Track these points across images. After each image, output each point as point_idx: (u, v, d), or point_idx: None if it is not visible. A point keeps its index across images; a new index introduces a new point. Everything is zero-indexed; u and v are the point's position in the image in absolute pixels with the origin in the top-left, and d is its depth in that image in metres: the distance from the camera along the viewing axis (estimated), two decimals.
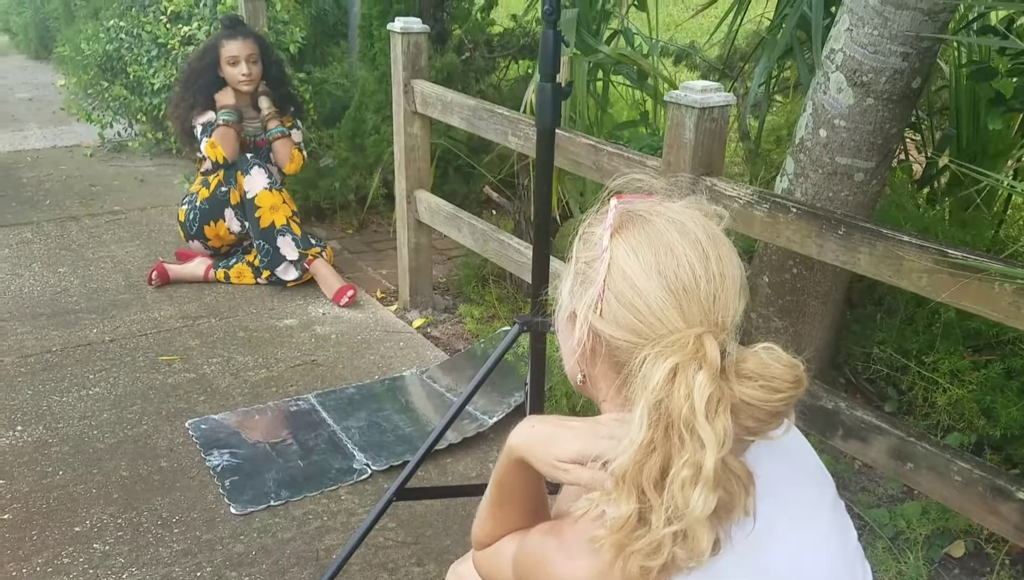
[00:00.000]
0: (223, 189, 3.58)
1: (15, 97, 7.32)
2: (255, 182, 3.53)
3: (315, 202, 4.25)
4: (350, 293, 3.43)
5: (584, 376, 1.00)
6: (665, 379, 0.82)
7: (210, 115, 3.60)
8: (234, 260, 3.65)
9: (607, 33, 3.60)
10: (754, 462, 0.87)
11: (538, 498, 1.07)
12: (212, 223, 3.62)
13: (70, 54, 5.71)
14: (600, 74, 3.52)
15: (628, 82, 3.71)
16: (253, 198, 3.51)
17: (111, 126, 5.42)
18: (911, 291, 1.68)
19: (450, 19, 4.33)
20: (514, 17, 4.71)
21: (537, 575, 0.95)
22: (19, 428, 2.58)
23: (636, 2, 3.60)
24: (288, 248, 3.51)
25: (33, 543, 2.12)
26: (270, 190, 3.52)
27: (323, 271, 3.53)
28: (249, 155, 3.60)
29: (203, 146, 3.60)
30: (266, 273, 3.55)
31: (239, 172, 3.55)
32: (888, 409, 2.53)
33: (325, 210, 4.32)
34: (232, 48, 3.56)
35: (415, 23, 3.06)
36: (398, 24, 3.05)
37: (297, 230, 3.55)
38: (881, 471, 2.20)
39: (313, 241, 3.61)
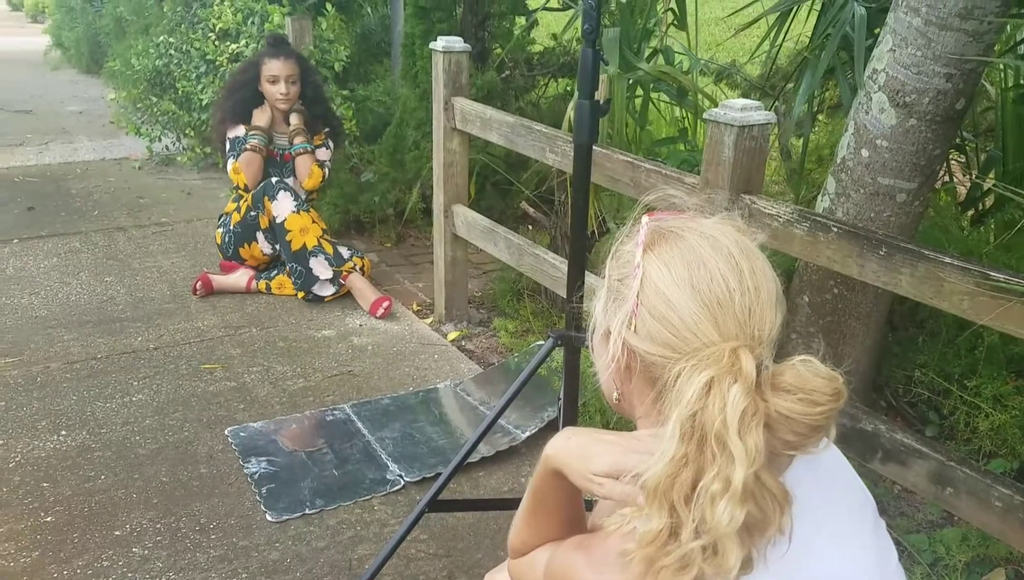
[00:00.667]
0: (252, 214, 3.63)
1: (66, 110, 7.53)
2: (282, 206, 3.56)
3: (355, 215, 4.32)
4: (386, 305, 3.47)
5: (619, 394, 1.00)
6: (700, 392, 0.82)
7: (241, 129, 3.67)
8: (275, 272, 3.71)
9: (647, 51, 3.61)
10: (793, 481, 0.87)
11: (573, 510, 1.07)
12: (246, 245, 3.68)
13: (120, 69, 5.86)
14: (639, 91, 3.53)
15: (668, 99, 3.71)
16: (283, 223, 3.55)
17: (159, 140, 5.54)
18: (953, 314, 1.65)
19: (491, 38, 4.37)
20: (554, 36, 4.75)
21: None
22: (63, 433, 2.64)
23: (676, 21, 3.61)
24: (321, 268, 3.55)
25: (74, 546, 2.16)
26: (297, 213, 3.55)
27: (359, 284, 3.57)
28: (274, 179, 3.61)
29: (228, 166, 3.68)
30: (301, 294, 3.59)
31: (266, 197, 3.58)
32: (929, 433, 2.49)
33: (364, 223, 4.38)
34: (273, 67, 3.63)
35: (457, 42, 3.10)
36: (440, 43, 3.09)
37: (329, 249, 3.58)
38: (921, 496, 2.16)
39: (346, 256, 3.64)
